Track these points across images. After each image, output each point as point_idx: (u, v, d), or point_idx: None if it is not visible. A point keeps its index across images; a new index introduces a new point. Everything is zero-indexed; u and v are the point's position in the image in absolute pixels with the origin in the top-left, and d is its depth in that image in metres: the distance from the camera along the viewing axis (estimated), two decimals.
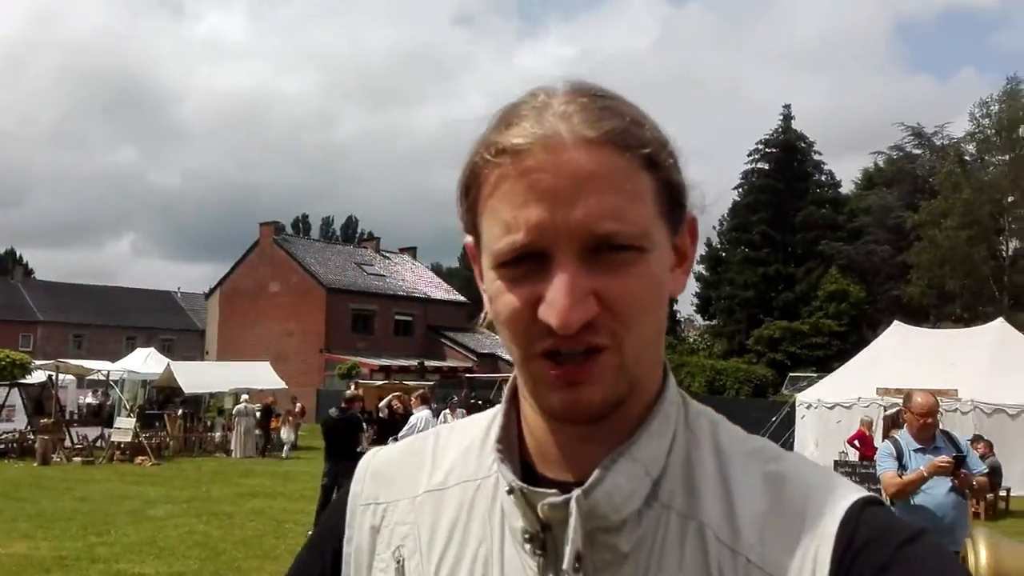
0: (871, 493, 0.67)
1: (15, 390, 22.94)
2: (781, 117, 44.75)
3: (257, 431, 21.90)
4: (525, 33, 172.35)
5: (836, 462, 13.60)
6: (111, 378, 25.11)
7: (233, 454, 21.19)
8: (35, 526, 10.58)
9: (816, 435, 17.81)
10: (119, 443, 19.79)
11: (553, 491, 0.65)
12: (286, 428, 21.84)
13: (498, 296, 0.65)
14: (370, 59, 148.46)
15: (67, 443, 20.59)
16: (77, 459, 19.42)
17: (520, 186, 0.62)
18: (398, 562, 0.74)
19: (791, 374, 33.43)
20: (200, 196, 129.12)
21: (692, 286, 48.92)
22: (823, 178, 45.20)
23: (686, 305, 51.49)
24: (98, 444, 21.04)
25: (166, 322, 59.27)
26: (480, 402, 23.43)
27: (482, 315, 0.74)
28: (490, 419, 0.77)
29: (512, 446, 0.72)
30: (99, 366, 26.40)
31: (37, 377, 23.20)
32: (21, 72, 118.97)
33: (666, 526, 0.66)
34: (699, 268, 47.66)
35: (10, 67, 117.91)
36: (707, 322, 47.33)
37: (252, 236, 42.29)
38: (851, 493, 0.65)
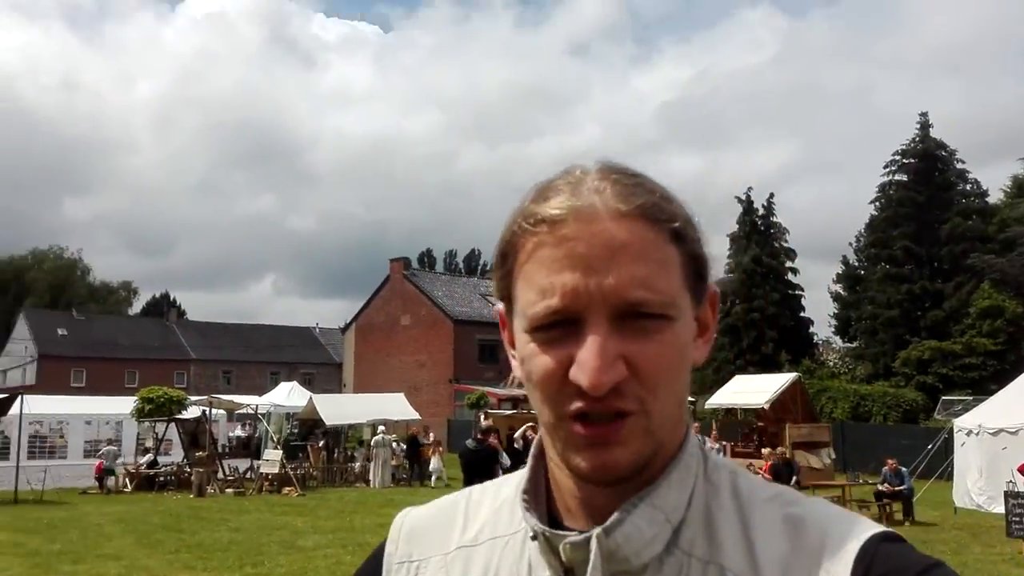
0: (888, 529, 0.68)
1: (172, 425, 24.52)
2: (918, 125, 42.34)
3: (399, 461, 22.46)
4: (639, 59, 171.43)
5: (1006, 493, 12.52)
6: (259, 411, 26.42)
7: (372, 484, 21.78)
8: (195, 557, 11.18)
9: (980, 463, 16.48)
10: (267, 475, 20.76)
11: (574, 532, 0.69)
12: (436, 457, 22.27)
13: (531, 358, 0.68)
14: (487, 97, 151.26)
15: (220, 475, 21.76)
16: (229, 490, 20.48)
17: (556, 254, 0.66)
18: None
19: (944, 398, 31.23)
20: (333, 236, 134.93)
21: (828, 307, 46.81)
22: (968, 187, 42.31)
23: (823, 327, 49.26)
24: (248, 476, 22.13)
25: (306, 356, 62.00)
26: None
27: (510, 378, 0.80)
28: (521, 479, 0.79)
29: (539, 497, 0.75)
30: (247, 400, 27.87)
31: (192, 412, 24.68)
32: (169, 129, 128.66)
33: (687, 572, 0.68)
34: (836, 288, 45.59)
35: (161, 125, 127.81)
36: (847, 344, 45.00)
37: (383, 272, 43.84)
38: (867, 530, 0.67)
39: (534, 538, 0.71)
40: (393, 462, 22.77)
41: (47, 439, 27.66)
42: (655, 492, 0.69)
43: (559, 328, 0.66)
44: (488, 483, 0.86)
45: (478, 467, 10.42)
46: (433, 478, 21.59)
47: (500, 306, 0.75)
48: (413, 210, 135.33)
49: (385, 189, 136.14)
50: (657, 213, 0.68)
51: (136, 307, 74.98)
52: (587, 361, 0.64)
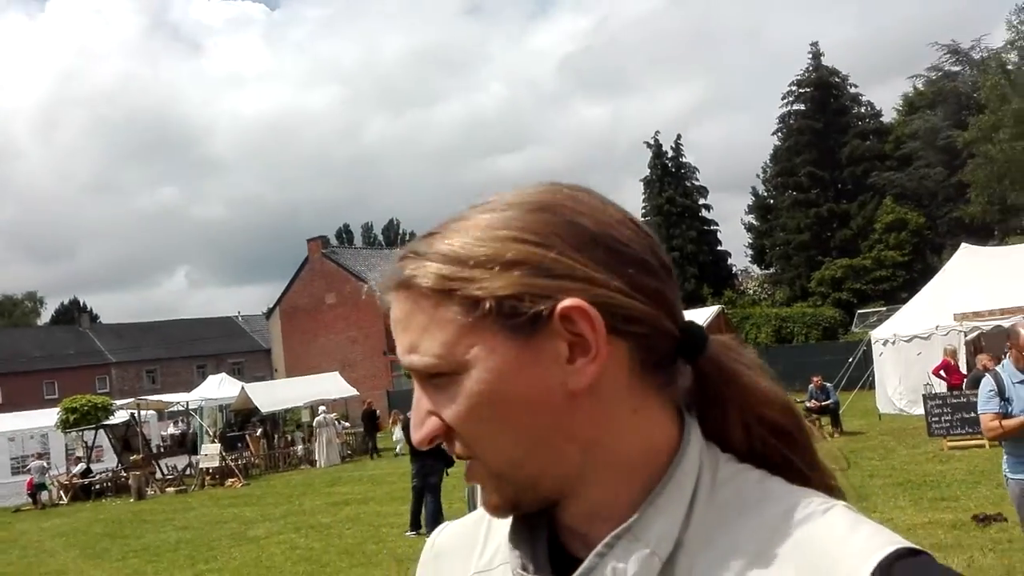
0: (905, 545, 0.62)
1: (101, 431, 23.75)
2: (810, 55, 43.60)
3: (343, 439, 22.38)
4: (536, 13, 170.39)
5: (924, 396, 13.26)
6: (190, 407, 25.80)
7: (318, 464, 21.62)
8: (144, 561, 10.94)
9: (897, 370, 17.39)
10: (208, 468, 20.36)
11: None
12: (397, 427, 22.14)
13: None
14: (386, 65, 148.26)
15: (158, 475, 21.26)
16: (170, 490, 20.04)
17: None
18: None
19: (859, 311, 32.73)
20: (244, 222, 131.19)
21: (743, 237, 48.17)
22: (863, 110, 43.90)
23: (740, 257, 50.69)
24: (188, 472, 21.68)
25: (232, 346, 60.54)
26: None
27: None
28: None
29: (535, 527, 0.72)
30: (177, 398, 27.16)
31: (120, 416, 23.94)
32: (54, 131, 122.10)
33: None
34: (748, 218, 46.88)
35: (44, 128, 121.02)
36: (764, 271, 46.51)
37: (301, 253, 42.92)
38: (879, 549, 0.61)
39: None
40: (337, 440, 22.63)
41: None
42: (638, 523, 0.65)
43: None
44: None
45: None
46: (398, 447, 21.46)
47: None
48: (324, 187, 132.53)
49: (292, 169, 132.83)
50: (414, 280, 0.67)
51: (45, 316, 72.00)
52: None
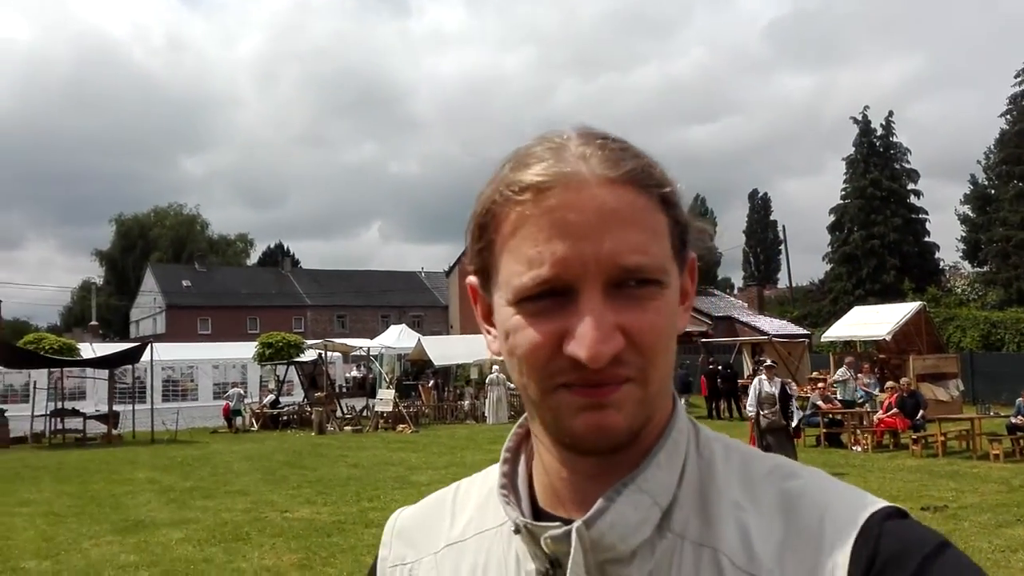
0: (892, 504, 0.65)
1: (292, 368, 25.65)
2: None
3: (509, 398, 22.80)
4: None
5: None
6: (371, 354, 27.26)
7: (488, 420, 22.18)
8: (316, 492, 11.65)
9: None
10: (382, 413, 21.45)
11: (556, 524, 0.67)
12: None
13: (516, 331, 0.65)
14: (583, 27, 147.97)
15: (338, 414, 22.66)
16: (348, 428, 21.31)
17: (544, 223, 0.63)
18: None
19: None
20: (435, 180, 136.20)
21: (956, 230, 44.10)
22: None
23: (950, 252, 46.57)
24: (364, 414, 22.97)
25: (414, 300, 63.47)
26: (720, 367, 22.59)
27: (488, 353, 0.66)
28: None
29: (518, 489, 0.73)
30: (360, 343, 28.77)
31: (309, 355, 25.73)
32: (272, 83, 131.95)
33: (680, 555, 0.66)
34: (963, 209, 42.76)
35: (263, 79, 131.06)
36: (977, 269, 42.31)
37: None
38: (869, 506, 0.64)
39: (517, 531, 0.70)
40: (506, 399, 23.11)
41: (179, 383, 29.47)
42: (642, 474, 0.67)
43: (547, 299, 0.63)
44: (475, 475, 0.84)
45: None
46: None
47: (472, 279, 0.72)
48: (512, 148, 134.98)
49: (483, 129, 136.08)
50: (646, 179, 0.65)
51: (253, 258, 78.26)
52: (586, 334, 0.61)
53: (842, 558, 0.61)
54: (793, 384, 13.32)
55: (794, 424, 11.90)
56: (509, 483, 0.74)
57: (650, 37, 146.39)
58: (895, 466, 13.03)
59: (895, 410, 15.17)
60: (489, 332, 0.71)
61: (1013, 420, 14.06)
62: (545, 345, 0.63)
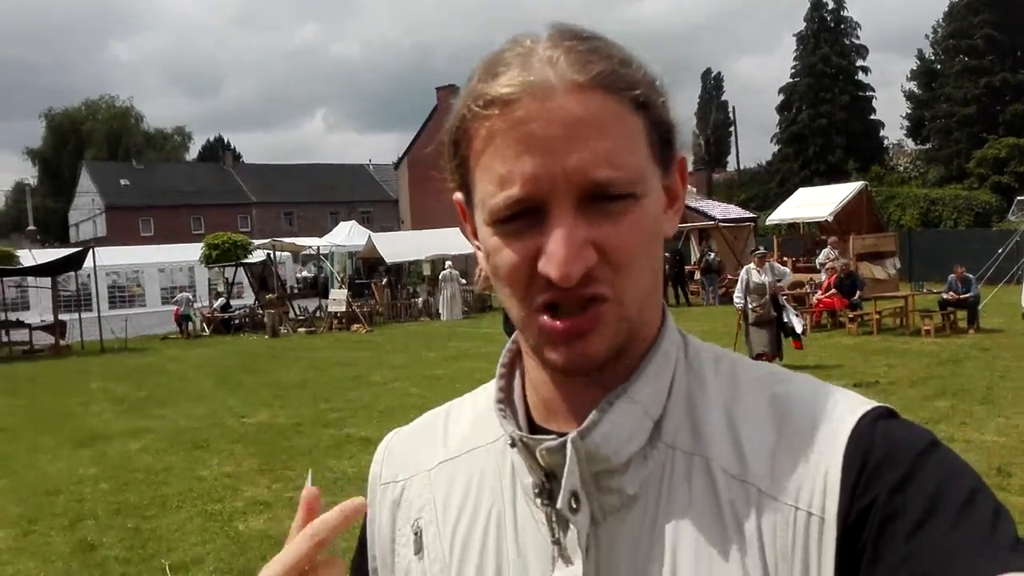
0: (881, 404, 0.65)
1: (240, 269, 25.32)
2: None
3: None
4: None
5: None
6: (321, 252, 27.00)
7: (442, 317, 22.36)
8: (272, 395, 11.76)
9: None
10: (336, 313, 21.48)
11: (551, 436, 0.67)
12: None
13: (496, 252, 0.64)
14: None
15: (291, 315, 22.63)
16: (301, 330, 21.35)
17: (512, 138, 0.61)
18: (416, 533, 0.77)
19: (1020, 198, 29.92)
20: (379, 65, 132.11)
21: (901, 107, 44.46)
22: None
23: (894, 129, 47.04)
24: (317, 315, 22.96)
25: (363, 195, 62.52)
26: (667, 253, 22.85)
27: (477, 273, 0.65)
28: (494, 388, 0.78)
29: (514, 404, 0.74)
30: (310, 242, 28.44)
31: (257, 256, 25.38)
32: None
33: (672, 465, 0.67)
34: (909, 85, 42.97)
35: None
36: (920, 147, 42.97)
37: (431, 102, 42.91)
38: (858, 408, 0.64)
39: (513, 445, 0.70)
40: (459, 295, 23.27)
41: (125, 289, 28.95)
42: (632, 386, 0.67)
43: (522, 219, 0.62)
44: (466, 395, 0.84)
45: None
46: None
47: (458, 196, 0.71)
48: (457, 29, 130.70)
49: (425, 9, 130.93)
50: (617, 82, 0.62)
51: (192, 152, 75.83)
52: (555, 252, 0.60)
53: (834, 460, 0.62)
54: (788, 273, 11.50)
55: (798, 330, 10.70)
56: (505, 398, 0.74)
57: None
58: (832, 344, 13.59)
59: (833, 291, 15.69)
60: (479, 250, 0.70)
61: (944, 296, 14.66)
62: (521, 265, 0.63)
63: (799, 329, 10.78)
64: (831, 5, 43.65)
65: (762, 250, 11.51)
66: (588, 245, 0.61)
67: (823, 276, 16.56)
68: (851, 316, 15.00)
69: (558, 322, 0.63)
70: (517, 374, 0.76)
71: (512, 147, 0.61)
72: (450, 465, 0.78)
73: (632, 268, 0.63)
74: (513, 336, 0.75)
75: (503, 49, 0.65)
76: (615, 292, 0.63)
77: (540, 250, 0.61)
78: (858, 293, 15.45)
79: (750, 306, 10.49)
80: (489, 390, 0.79)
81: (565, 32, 0.64)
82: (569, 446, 0.65)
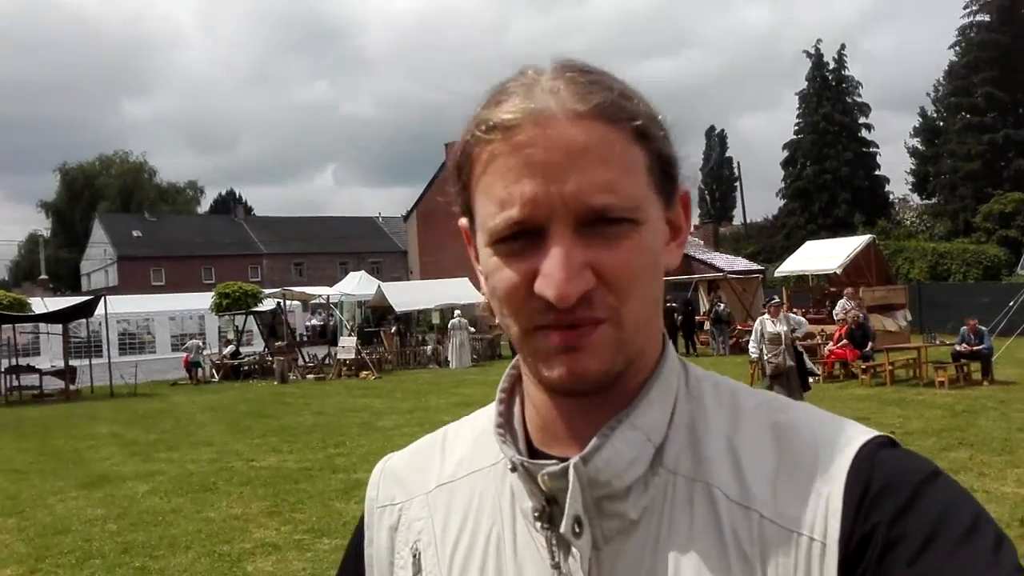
0: (883, 434, 0.65)
1: (251, 317, 25.44)
2: None
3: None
4: None
5: None
6: (331, 301, 27.13)
7: (451, 364, 22.32)
8: (282, 440, 11.71)
9: None
10: (345, 360, 21.46)
11: (553, 461, 0.67)
12: None
13: (494, 272, 0.65)
14: None
15: (300, 362, 22.63)
16: (310, 376, 21.32)
17: (512, 162, 0.62)
18: (415, 556, 0.77)
19: None
20: (390, 121, 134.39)
21: (906, 163, 44.85)
22: None
23: (899, 185, 47.45)
24: (327, 362, 22.95)
25: (372, 246, 62.98)
26: (676, 304, 22.91)
27: (480, 297, 0.75)
28: (493, 411, 0.78)
29: (514, 428, 0.74)
30: (319, 291, 28.58)
31: (267, 305, 25.53)
32: (215, 21, 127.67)
33: (673, 490, 0.67)
34: (913, 142, 43.43)
35: (206, 17, 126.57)
36: (925, 201, 43.20)
37: (440, 157, 43.51)
38: (860, 436, 0.65)
39: (513, 469, 0.70)
40: (468, 343, 23.24)
41: (135, 336, 29.06)
42: (634, 412, 0.68)
43: (521, 240, 0.63)
44: (464, 418, 0.84)
45: None
46: None
47: (463, 221, 0.72)
48: (467, 88, 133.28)
49: (438, 68, 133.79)
50: (617, 112, 0.63)
51: (204, 206, 76.65)
52: (552, 273, 0.61)
53: (836, 487, 0.62)
54: (804, 323, 11.45)
55: (816, 372, 10.58)
56: (505, 422, 0.74)
57: None
58: (845, 395, 13.50)
59: (844, 341, 15.64)
60: (481, 274, 0.71)
61: (957, 348, 14.59)
62: (519, 286, 0.63)
63: (816, 372, 10.67)
64: (832, 64, 44.40)
65: (777, 300, 11.50)
66: (586, 268, 0.61)
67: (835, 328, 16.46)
68: (863, 367, 14.92)
69: (555, 336, 0.63)
70: (517, 399, 0.76)
71: (513, 170, 0.62)
72: (449, 488, 0.78)
73: (630, 292, 0.63)
74: (513, 361, 0.76)
75: (508, 80, 0.67)
76: (613, 316, 0.63)
77: (538, 271, 0.62)
78: (870, 344, 15.40)
79: (765, 356, 10.41)
80: (488, 413, 0.79)
81: (568, 65, 0.66)
82: (571, 472, 0.65)
